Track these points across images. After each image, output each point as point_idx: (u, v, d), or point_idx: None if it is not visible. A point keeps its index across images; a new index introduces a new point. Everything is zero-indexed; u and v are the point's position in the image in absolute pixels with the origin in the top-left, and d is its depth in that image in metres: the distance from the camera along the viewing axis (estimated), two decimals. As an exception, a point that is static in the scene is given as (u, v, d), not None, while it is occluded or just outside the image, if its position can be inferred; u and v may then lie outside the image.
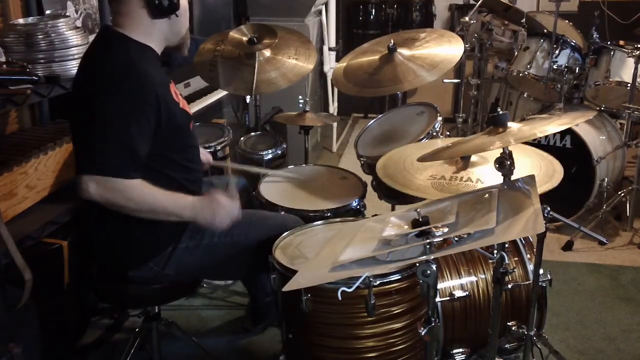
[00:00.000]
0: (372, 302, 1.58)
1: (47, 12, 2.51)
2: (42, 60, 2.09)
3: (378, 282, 1.62)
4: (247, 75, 2.76)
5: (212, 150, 2.65)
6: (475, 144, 1.74)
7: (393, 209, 2.63)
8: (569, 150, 3.37)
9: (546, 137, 3.36)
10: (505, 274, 1.66)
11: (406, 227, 1.42)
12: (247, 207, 2.28)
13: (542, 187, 1.72)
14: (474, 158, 1.95)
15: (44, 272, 1.90)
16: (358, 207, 2.29)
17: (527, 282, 2.06)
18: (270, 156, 2.70)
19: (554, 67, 3.55)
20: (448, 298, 1.97)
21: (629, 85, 3.40)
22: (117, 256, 1.93)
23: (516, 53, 3.95)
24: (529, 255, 2.11)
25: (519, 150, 1.83)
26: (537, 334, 2.10)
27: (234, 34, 2.81)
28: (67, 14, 2.64)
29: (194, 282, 2.14)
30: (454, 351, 2.07)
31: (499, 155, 1.63)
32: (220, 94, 3.44)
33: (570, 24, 4.41)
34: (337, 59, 4.85)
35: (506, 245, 1.70)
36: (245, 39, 2.80)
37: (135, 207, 1.74)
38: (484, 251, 1.72)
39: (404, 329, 1.73)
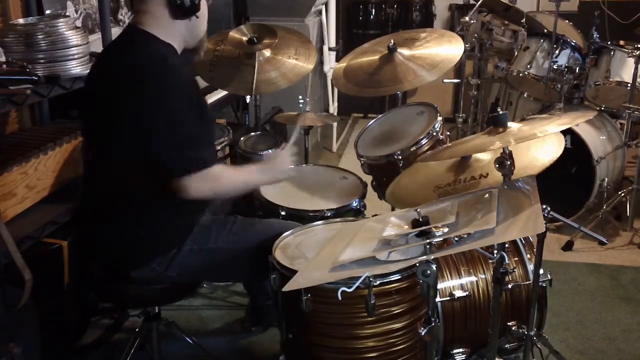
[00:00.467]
0: (372, 302, 1.58)
1: (47, 12, 2.51)
2: (42, 60, 2.08)
3: (378, 282, 1.62)
4: (247, 75, 2.75)
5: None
6: (475, 144, 1.74)
7: (393, 209, 2.63)
8: (569, 150, 3.35)
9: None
10: (505, 274, 1.66)
11: (406, 227, 1.43)
12: (247, 208, 2.30)
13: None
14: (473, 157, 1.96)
15: (44, 272, 1.90)
16: (358, 207, 2.29)
17: (527, 282, 2.06)
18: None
19: (554, 67, 3.55)
20: (448, 298, 1.97)
21: (629, 85, 3.40)
22: (120, 256, 1.93)
23: (516, 53, 3.95)
24: (529, 255, 2.11)
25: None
26: (537, 334, 2.10)
27: (234, 34, 2.81)
28: (67, 14, 2.64)
29: (195, 284, 2.14)
30: (454, 351, 2.07)
31: (499, 155, 1.63)
32: (220, 94, 3.44)
33: (570, 24, 4.41)
34: (337, 59, 4.85)
35: (506, 245, 1.70)
36: (245, 39, 2.80)
37: (230, 188, 1.89)
38: (484, 251, 1.72)
39: (404, 329, 1.73)
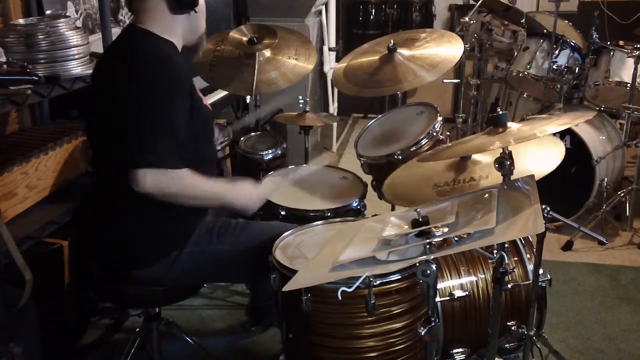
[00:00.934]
0: (372, 302, 1.58)
1: (47, 12, 2.51)
2: (42, 60, 2.09)
3: (378, 282, 1.62)
4: (247, 75, 2.76)
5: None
6: (475, 144, 1.74)
7: (393, 209, 2.63)
8: (568, 150, 3.33)
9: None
10: (505, 273, 1.66)
11: (406, 227, 1.43)
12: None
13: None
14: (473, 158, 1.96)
15: (44, 272, 1.90)
16: (358, 207, 2.29)
17: (527, 282, 2.06)
18: (270, 156, 2.70)
19: (554, 67, 3.56)
20: (448, 298, 1.97)
21: (628, 85, 3.40)
22: (123, 256, 1.93)
23: (516, 53, 3.96)
24: (528, 255, 2.11)
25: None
26: (537, 334, 2.10)
27: (234, 34, 2.81)
28: (67, 14, 2.64)
29: (196, 285, 2.15)
30: (454, 351, 2.07)
31: (498, 155, 1.63)
32: (220, 94, 3.44)
33: (570, 24, 4.41)
34: (337, 59, 4.85)
35: (506, 245, 1.70)
36: (245, 39, 2.80)
37: (188, 195, 1.82)
38: (484, 251, 1.72)
39: (404, 328, 1.73)
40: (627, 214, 3.49)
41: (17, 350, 1.64)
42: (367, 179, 2.49)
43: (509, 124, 1.68)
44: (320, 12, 4.69)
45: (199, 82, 3.22)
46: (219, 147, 2.74)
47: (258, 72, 2.74)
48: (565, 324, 2.65)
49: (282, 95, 2.92)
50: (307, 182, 2.48)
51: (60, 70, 2.11)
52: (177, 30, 1.90)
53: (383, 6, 5.63)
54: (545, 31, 3.84)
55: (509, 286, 1.99)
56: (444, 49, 2.57)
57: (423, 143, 2.35)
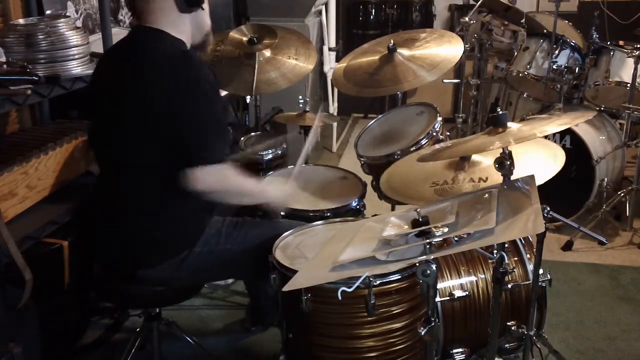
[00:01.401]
0: (372, 302, 1.58)
1: (48, 12, 2.51)
2: (42, 60, 2.08)
3: (378, 282, 1.62)
4: (247, 75, 2.76)
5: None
6: (475, 144, 1.74)
7: (393, 209, 2.63)
8: (568, 151, 3.36)
9: (546, 137, 3.36)
10: (505, 273, 1.66)
11: (406, 227, 1.43)
12: (247, 208, 2.29)
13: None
14: (473, 158, 1.96)
15: (44, 272, 1.90)
16: (358, 207, 2.29)
17: (527, 282, 2.06)
18: (270, 156, 2.70)
19: (554, 67, 3.55)
20: (448, 298, 1.97)
21: (628, 85, 3.40)
22: (130, 256, 1.91)
23: (516, 53, 3.95)
24: (528, 255, 2.11)
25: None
26: (537, 334, 2.10)
27: (234, 34, 2.81)
28: (68, 14, 2.64)
29: (200, 285, 2.15)
30: (454, 351, 2.07)
31: (498, 155, 1.63)
32: (220, 94, 3.44)
33: (570, 24, 4.41)
34: (337, 59, 4.85)
35: (506, 245, 1.70)
36: (245, 39, 2.80)
37: (235, 191, 1.87)
38: (484, 251, 1.72)
39: (403, 328, 1.73)
40: (627, 214, 3.49)
41: (17, 350, 1.65)
42: (367, 179, 2.49)
43: (509, 124, 1.68)
44: (320, 12, 4.69)
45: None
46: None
47: (258, 72, 2.74)
48: (565, 324, 2.65)
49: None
50: (307, 182, 2.48)
51: (60, 70, 2.11)
52: (186, 28, 1.90)
53: (383, 6, 5.63)
54: (545, 31, 3.84)
55: (509, 286, 1.99)
56: (444, 49, 2.57)
57: (423, 143, 2.35)
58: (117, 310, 2.66)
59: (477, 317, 2.04)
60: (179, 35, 1.87)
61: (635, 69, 3.31)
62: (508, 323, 2.06)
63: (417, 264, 1.30)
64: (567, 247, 3.33)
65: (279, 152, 2.74)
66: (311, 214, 2.19)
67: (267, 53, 2.82)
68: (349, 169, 2.59)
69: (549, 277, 2.01)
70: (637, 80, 3.34)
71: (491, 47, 4.44)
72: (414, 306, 1.74)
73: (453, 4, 5.74)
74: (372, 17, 5.67)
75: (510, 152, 1.62)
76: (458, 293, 1.96)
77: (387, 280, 1.65)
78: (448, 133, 2.52)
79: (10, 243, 1.66)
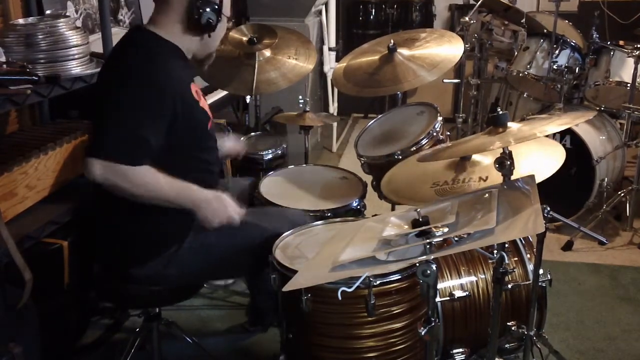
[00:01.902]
0: (372, 302, 1.58)
1: (47, 12, 2.51)
2: (42, 60, 2.08)
3: (378, 282, 1.62)
4: (247, 75, 2.75)
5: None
6: (475, 144, 1.74)
7: (393, 208, 2.63)
8: (569, 151, 3.34)
9: (546, 137, 3.36)
10: (505, 274, 1.66)
11: (406, 227, 1.42)
12: (248, 207, 2.29)
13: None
14: (473, 158, 1.96)
15: (44, 272, 1.90)
16: (358, 207, 2.29)
17: (527, 282, 2.06)
18: (270, 156, 2.70)
19: (554, 67, 3.55)
20: (448, 298, 1.97)
21: (628, 85, 3.40)
22: (120, 253, 1.93)
23: (516, 53, 3.95)
24: (528, 255, 2.11)
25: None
26: (537, 334, 2.10)
27: (234, 34, 2.81)
28: (67, 14, 2.64)
29: (196, 285, 2.14)
30: (454, 351, 2.07)
31: (499, 155, 1.63)
32: (220, 94, 3.44)
33: (570, 24, 4.41)
34: (337, 59, 4.85)
35: (506, 245, 1.70)
36: (245, 39, 2.80)
37: (137, 192, 1.77)
38: (484, 251, 1.72)
39: (404, 329, 1.73)
40: (627, 214, 3.49)
41: (17, 350, 1.65)
42: (367, 179, 2.49)
43: (509, 124, 1.68)
44: (320, 12, 4.68)
45: (199, 82, 3.23)
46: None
47: (258, 72, 2.74)
48: (565, 324, 2.65)
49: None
50: (307, 182, 2.48)
51: (60, 70, 2.11)
52: (185, 45, 1.92)
53: (383, 6, 5.62)
54: (545, 31, 3.83)
55: (509, 286, 1.99)
56: (444, 49, 2.57)
57: (423, 143, 2.35)
58: (117, 310, 2.66)
59: (477, 317, 2.04)
60: (175, 42, 1.89)
61: (636, 68, 3.31)
62: (508, 323, 2.06)
63: (417, 264, 1.30)
64: (567, 247, 3.33)
65: (279, 152, 2.74)
66: (311, 214, 2.19)
67: (267, 53, 2.82)
68: (349, 169, 2.59)
69: (549, 277, 2.01)
70: (638, 80, 3.34)
71: (491, 47, 4.44)
72: (414, 306, 1.74)
73: (453, 4, 5.74)
74: (372, 17, 5.67)
75: (510, 152, 1.62)
76: (458, 293, 1.96)
77: (387, 280, 1.65)
78: (448, 133, 2.52)
79: (10, 243, 1.66)
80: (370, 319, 1.65)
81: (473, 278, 2.06)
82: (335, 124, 4.93)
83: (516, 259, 2.10)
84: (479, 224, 1.33)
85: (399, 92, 2.86)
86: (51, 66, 2.10)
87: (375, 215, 1.87)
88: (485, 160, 1.94)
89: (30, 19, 2.26)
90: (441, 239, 1.35)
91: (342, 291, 1.35)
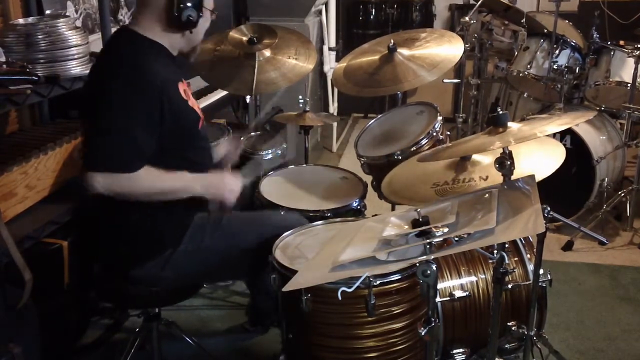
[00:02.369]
0: (372, 302, 1.58)
1: (47, 12, 2.51)
2: (42, 60, 2.09)
3: (378, 282, 1.62)
4: (247, 75, 2.75)
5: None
6: (475, 144, 1.74)
7: (393, 208, 2.63)
8: (569, 151, 3.33)
9: (546, 136, 3.36)
10: (505, 274, 1.66)
11: (406, 227, 1.42)
12: (248, 207, 2.29)
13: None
14: (473, 158, 1.96)
15: (44, 272, 1.90)
16: (358, 207, 2.29)
17: (527, 282, 2.06)
18: (270, 156, 2.70)
19: (554, 67, 3.55)
20: (448, 298, 1.97)
21: (629, 85, 3.40)
22: (119, 254, 1.93)
23: (516, 53, 3.95)
24: (529, 255, 2.11)
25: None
26: (537, 334, 2.10)
27: (234, 34, 2.81)
28: (67, 14, 2.64)
29: (194, 286, 2.14)
30: (454, 351, 2.07)
31: (499, 155, 1.63)
32: (220, 94, 3.44)
33: (570, 24, 4.41)
34: (337, 59, 4.85)
35: (506, 245, 1.70)
36: (245, 39, 2.80)
37: (144, 194, 1.79)
38: (484, 251, 1.72)
39: (404, 329, 1.73)
40: (628, 214, 3.49)
41: (17, 350, 1.65)
42: (367, 179, 2.49)
43: (509, 123, 1.67)
44: (320, 12, 4.68)
45: (199, 82, 3.23)
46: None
47: (258, 72, 2.74)
48: (565, 324, 2.65)
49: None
50: (307, 182, 2.48)
51: (59, 70, 2.11)
52: (168, 41, 1.91)
53: (383, 6, 5.63)
54: (545, 31, 3.83)
55: (509, 286, 1.99)
56: (444, 49, 2.57)
57: (423, 143, 2.35)
58: (117, 310, 2.66)
59: (477, 317, 2.04)
60: (160, 41, 1.88)
61: (636, 68, 3.31)
62: (508, 323, 2.06)
63: (417, 264, 1.30)
64: (568, 247, 3.33)
65: (279, 152, 2.74)
66: (311, 214, 2.19)
67: (267, 53, 2.82)
68: (349, 169, 2.59)
69: (549, 277, 2.01)
70: (638, 80, 3.34)
71: (491, 47, 4.44)
72: (414, 306, 1.74)
73: (453, 4, 5.74)
74: (372, 17, 5.67)
75: (510, 152, 1.62)
76: (458, 293, 1.96)
77: (387, 280, 1.65)
78: (448, 133, 2.52)
79: (10, 243, 1.66)
80: (370, 319, 1.65)
81: (473, 278, 2.06)
82: (335, 124, 4.93)
83: (516, 259, 2.10)
84: (479, 224, 1.33)
85: (399, 92, 2.85)
86: (51, 66, 2.10)
87: (375, 215, 1.87)
88: (485, 160, 1.94)
89: (30, 19, 2.26)
90: (441, 239, 1.35)
91: (342, 291, 1.35)
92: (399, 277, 1.66)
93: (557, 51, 3.64)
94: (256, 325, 2.61)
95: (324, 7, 4.72)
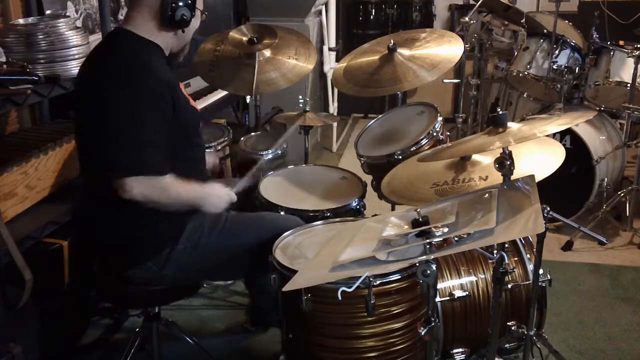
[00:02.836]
0: (372, 302, 1.58)
1: (47, 12, 2.51)
2: (42, 60, 2.09)
3: (378, 282, 1.62)
4: (247, 75, 2.75)
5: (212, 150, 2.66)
6: (475, 144, 1.74)
7: (393, 208, 2.63)
8: (568, 151, 3.33)
9: (546, 136, 3.36)
10: (505, 274, 1.66)
11: (406, 227, 1.42)
12: (247, 208, 2.29)
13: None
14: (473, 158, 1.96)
15: (44, 272, 1.90)
16: (358, 207, 2.29)
17: (527, 282, 2.06)
18: (270, 156, 2.70)
19: (554, 67, 3.55)
20: (448, 298, 1.97)
21: (628, 85, 3.40)
22: (117, 254, 1.93)
23: (516, 53, 3.95)
24: (528, 255, 2.11)
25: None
26: (537, 334, 2.10)
27: (234, 34, 2.81)
28: (67, 14, 2.65)
29: (193, 284, 2.14)
30: (454, 351, 2.07)
31: (499, 155, 1.63)
32: (220, 94, 3.44)
33: (570, 24, 4.41)
34: (337, 59, 4.85)
35: (506, 245, 1.70)
36: (245, 39, 2.80)
37: (170, 201, 1.81)
38: (484, 251, 1.72)
39: (403, 328, 1.73)
40: (627, 214, 3.49)
41: (17, 350, 1.65)
42: (367, 179, 2.49)
43: (509, 124, 1.68)
44: (320, 12, 4.68)
45: (199, 82, 3.24)
46: (219, 147, 2.74)
47: (258, 72, 2.74)
48: (565, 324, 2.65)
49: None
50: (307, 182, 2.48)
51: (60, 70, 2.12)
52: (161, 40, 1.91)
53: (383, 6, 5.63)
54: (545, 31, 3.83)
55: (509, 286, 1.99)
56: (444, 49, 2.57)
57: (423, 143, 2.35)
58: (117, 310, 2.66)
59: (477, 317, 2.04)
60: (155, 40, 1.88)
61: (636, 69, 3.31)
62: (508, 323, 2.06)
63: (417, 264, 1.30)
64: (567, 247, 3.33)
65: (279, 152, 2.74)
66: (311, 214, 2.19)
67: (267, 53, 2.82)
68: (349, 169, 2.59)
69: (549, 277, 2.01)
70: (638, 80, 3.34)
71: (491, 47, 4.44)
72: (414, 306, 1.74)
73: (453, 4, 5.73)
74: (372, 17, 5.67)
75: (510, 152, 1.62)
76: (458, 293, 1.96)
77: (387, 280, 1.65)
78: (448, 133, 2.52)
79: (10, 243, 1.66)
80: (370, 319, 1.65)
81: (473, 278, 2.06)
82: (335, 124, 4.93)
83: (516, 259, 2.11)
84: (479, 224, 1.33)
85: (399, 92, 2.85)
86: (51, 66, 2.10)
87: (375, 215, 1.87)
88: (485, 160, 1.94)
89: (30, 19, 2.26)
90: (441, 239, 1.35)
91: (342, 291, 1.35)
92: (399, 277, 1.66)
93: (556, 51, 3.64)
94: (256, 325, 2.61)
95: (324, 7, 4.72)
